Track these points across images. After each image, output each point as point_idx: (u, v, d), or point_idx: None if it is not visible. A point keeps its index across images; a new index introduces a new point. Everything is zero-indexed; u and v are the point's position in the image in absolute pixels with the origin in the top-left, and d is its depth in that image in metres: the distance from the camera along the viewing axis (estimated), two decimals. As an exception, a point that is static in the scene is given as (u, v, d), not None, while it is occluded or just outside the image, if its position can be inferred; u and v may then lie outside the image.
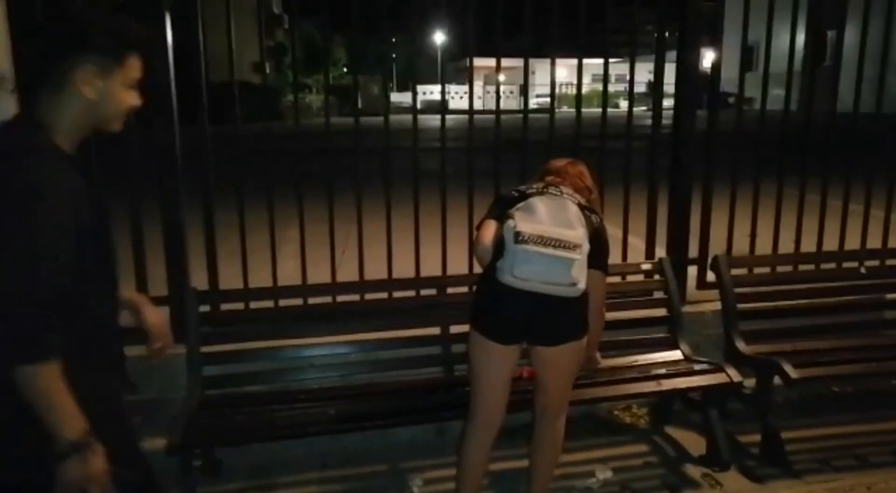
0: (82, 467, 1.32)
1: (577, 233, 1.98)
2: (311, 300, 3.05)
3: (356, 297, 3.12)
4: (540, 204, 2.05)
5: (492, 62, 3.37)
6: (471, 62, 3.73)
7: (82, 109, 1.41)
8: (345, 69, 33.55)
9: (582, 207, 2.11)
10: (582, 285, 1.96)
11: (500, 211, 2.10)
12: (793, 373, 2.71)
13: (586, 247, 1.98)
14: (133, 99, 1.49)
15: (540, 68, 30.46)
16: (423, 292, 3.11)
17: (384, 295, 3.15)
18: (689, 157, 3.47)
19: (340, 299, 3.09)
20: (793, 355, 2.97)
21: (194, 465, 2.46)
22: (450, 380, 2.81)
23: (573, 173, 2.31)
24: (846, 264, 3.61)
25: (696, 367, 2.87)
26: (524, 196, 2.12)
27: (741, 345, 3.07)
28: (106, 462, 1.37)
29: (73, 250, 1.33)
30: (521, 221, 1.97)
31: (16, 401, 1.28)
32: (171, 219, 3.02)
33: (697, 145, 3.47)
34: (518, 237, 1.93)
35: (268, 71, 28.16)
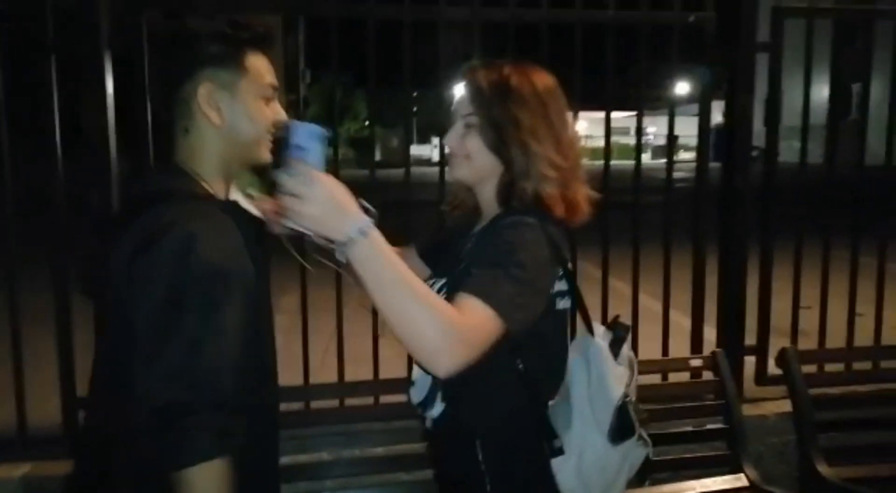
0: None
1: None
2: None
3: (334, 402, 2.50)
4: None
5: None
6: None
7: (217, 141, 1.17)
8: (366, 123, 33.70)
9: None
10: None
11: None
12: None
13: None
14: (274, 112, 1.23)
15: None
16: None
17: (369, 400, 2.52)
18: (744, 222, 2.86)
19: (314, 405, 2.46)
20: (894, 484, 2.28)
21: None
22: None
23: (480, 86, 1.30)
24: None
25: (771, 503, 2.18)
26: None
27: (823, 468, 2.38)
28: None
29: (253, 337, 1.09)
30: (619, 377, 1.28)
31: None
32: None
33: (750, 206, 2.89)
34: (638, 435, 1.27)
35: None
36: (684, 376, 2.71)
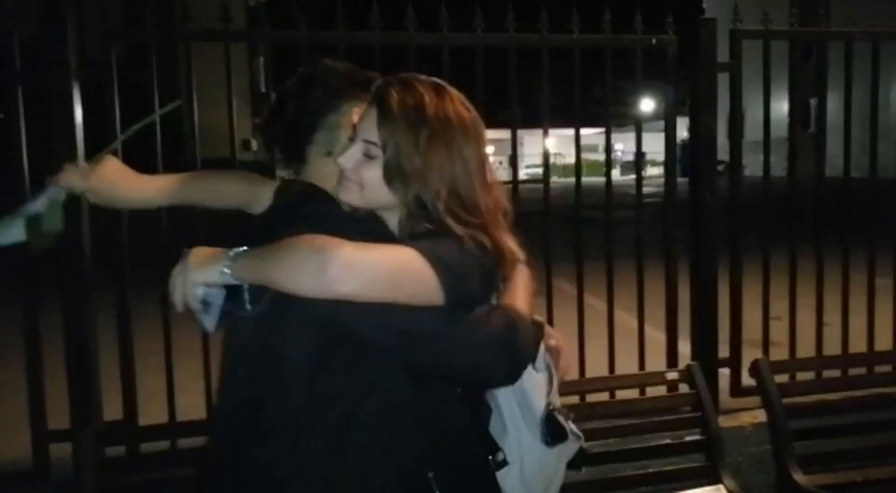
0: None
1: None
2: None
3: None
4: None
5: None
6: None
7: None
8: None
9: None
10: None
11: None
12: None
13: None
14: None
15: (528, 140, 30.63)
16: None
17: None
18: (712, 237, 2.93)
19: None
20: (867, 489, 2.33)
21: None
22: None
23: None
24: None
25: (749, 514, 2.20)
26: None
27: (799, 476, 2.42)
28: None
29: None
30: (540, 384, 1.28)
31: None
32: (75, 331, 2.42)
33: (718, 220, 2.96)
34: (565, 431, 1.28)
35: (255, 148, 28.69)
36: (661, 390, 2.74)
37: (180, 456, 2.34)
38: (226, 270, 1.09)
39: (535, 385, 1.27)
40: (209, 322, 1.15)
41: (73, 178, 1.38)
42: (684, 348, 3.04)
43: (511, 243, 1.18)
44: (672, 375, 2.60)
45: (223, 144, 2.70)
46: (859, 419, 2.68)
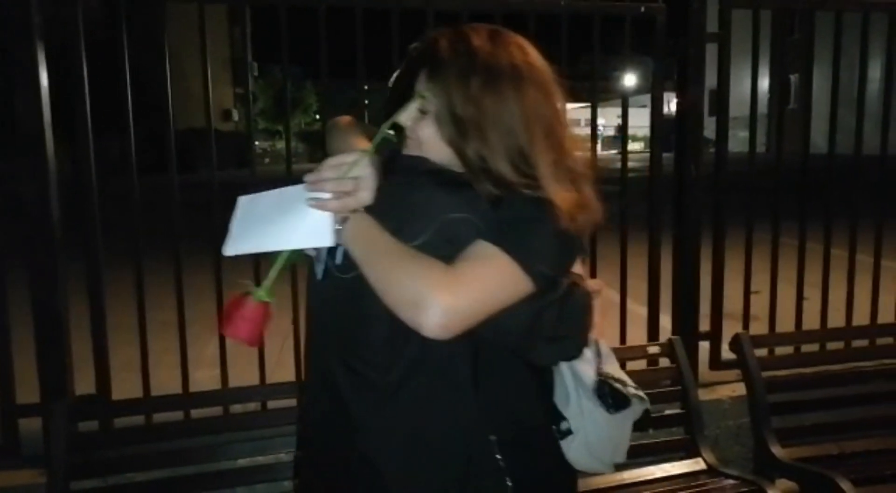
0: None
1: None
2: (235, 408, 2.36)
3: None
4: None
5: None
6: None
7: None
8: (317, 116, 33.19)
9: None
10: None
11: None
12: (855, 496, 2.08)
13: None
14: None
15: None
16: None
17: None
18: (697, 211, 2.91)
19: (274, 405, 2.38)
20: (843, 462, 2.35)
21: None
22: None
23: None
24: (881, 341, 3.03)
25: (728, 485, 2.22)
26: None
27: (776, 449, 2.44)
28: None
29: None
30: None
31: None
32: (45, 301, 2.34)
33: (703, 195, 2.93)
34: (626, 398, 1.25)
35: (236, 118, 28.44)
36: (641, 364, 2.74)
37: (155, 431, 2.30)
38: (338, 227, 1.05)
39: (584, 359, 1.26)
40: (319, 270, 1.15)
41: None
42: (665, 321, 3.04)
43: (587, 202, 1.15)
44: (653, 349, 2.61)
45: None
46: (836, 393, 2.71)
